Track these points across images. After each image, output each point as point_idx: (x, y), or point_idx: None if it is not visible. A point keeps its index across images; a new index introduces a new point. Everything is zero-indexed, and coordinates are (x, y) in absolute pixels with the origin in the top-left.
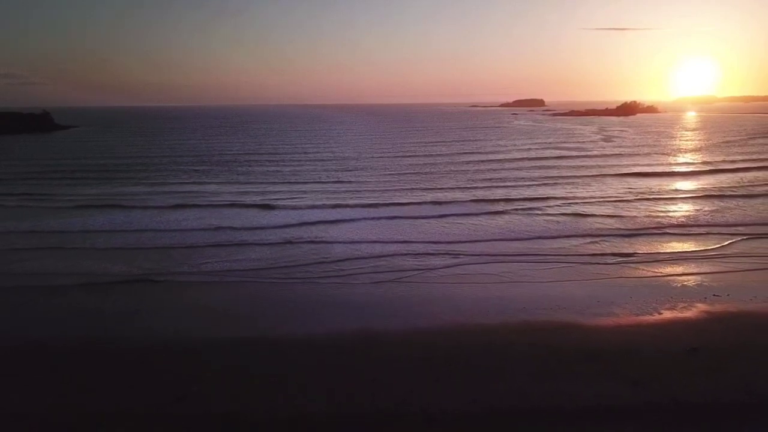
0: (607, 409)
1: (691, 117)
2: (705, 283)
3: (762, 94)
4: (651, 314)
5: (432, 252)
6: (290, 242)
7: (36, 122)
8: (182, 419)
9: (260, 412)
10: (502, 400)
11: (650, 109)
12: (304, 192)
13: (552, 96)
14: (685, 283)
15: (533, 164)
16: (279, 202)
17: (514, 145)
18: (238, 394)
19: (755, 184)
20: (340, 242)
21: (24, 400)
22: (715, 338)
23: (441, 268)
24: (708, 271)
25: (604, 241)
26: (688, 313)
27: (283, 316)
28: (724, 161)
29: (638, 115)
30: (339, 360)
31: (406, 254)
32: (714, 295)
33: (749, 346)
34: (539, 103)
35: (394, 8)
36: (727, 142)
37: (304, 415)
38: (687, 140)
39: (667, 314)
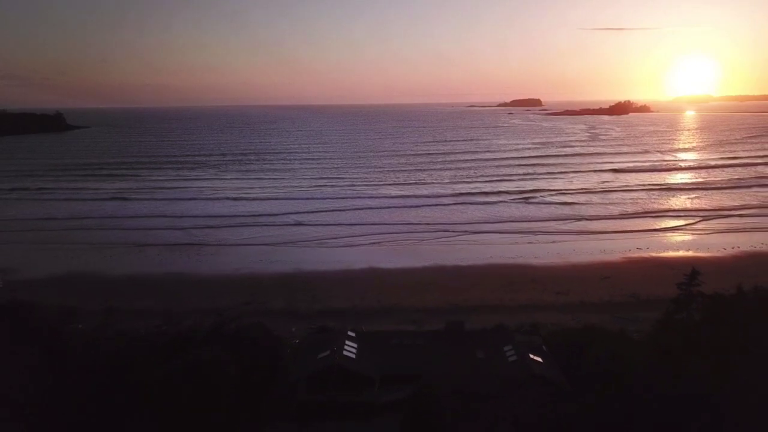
0: (535, 306)
1: (682, 116)
2: (634, 243)
3: (758, 93)
4: (584, 260)
5: (426, 230)
6: (300, 224)
7: (50, 122)
8: (252, 312)
9: (303, 308)
10: (466, 302)
11: (643, 109)
12: (311, 186)
13: (549, 96)
14: (620, 243)
15: (520, 162)
16: (289, 194)
17: (507, 143)
18: (287, 300)
19: (719, 179)
20: (344, 224)
21: (149, 304)
22: (623, 271)
23: (432, 240)
24: (641, 236)
25: (572, 222)
26: (611, 258)
27: (309, 261)
28: (697, 159)
29: (631, 114)
30: (353, 283)
31: (404, 232)
32: (637, 248)
33: (643, 274)
34: (536, 102)
35: (394, 9)
36: (709, 142)
37: (331, 309)
38: (668, 139)
39: (596, 259)
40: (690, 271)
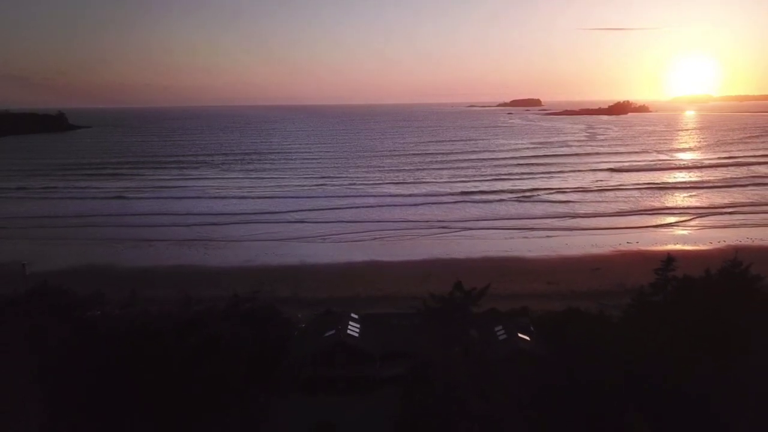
0: (529, 294)
1: (681, 116)
2: (626, 238)
3: (758, 93)
4: (576, 253)
5: (424, 227)
6: (302, 221)
7: (52, 122)
8: (262, 299)
9: (308, 296)
10: None
11: (642, 109)
12: (312, 185)
13: (549, 96)
14: (613, 238)
15: (518, 161)
16: (291, 193)
17: (506, 143)
18: (293, 290)
19: (715, 178)
20: (346, 221)
21: (161, 293)
22: (613, 263)
23: (431, 236)
24: (633, 232)
25: (567, 219)
26: (603, 251)
27: (312, 255)
28: (694, 159)
29: (630, 114)
30: (354, 275)
31: (403, 229)
32: (627, 243)
33: (632, 266)
34: (536, 102)
35: (394, 8)
36: (706, 142)
37: (335, 298)
38: (666, 139)
39: (588, 253)
40: (665, 258)
